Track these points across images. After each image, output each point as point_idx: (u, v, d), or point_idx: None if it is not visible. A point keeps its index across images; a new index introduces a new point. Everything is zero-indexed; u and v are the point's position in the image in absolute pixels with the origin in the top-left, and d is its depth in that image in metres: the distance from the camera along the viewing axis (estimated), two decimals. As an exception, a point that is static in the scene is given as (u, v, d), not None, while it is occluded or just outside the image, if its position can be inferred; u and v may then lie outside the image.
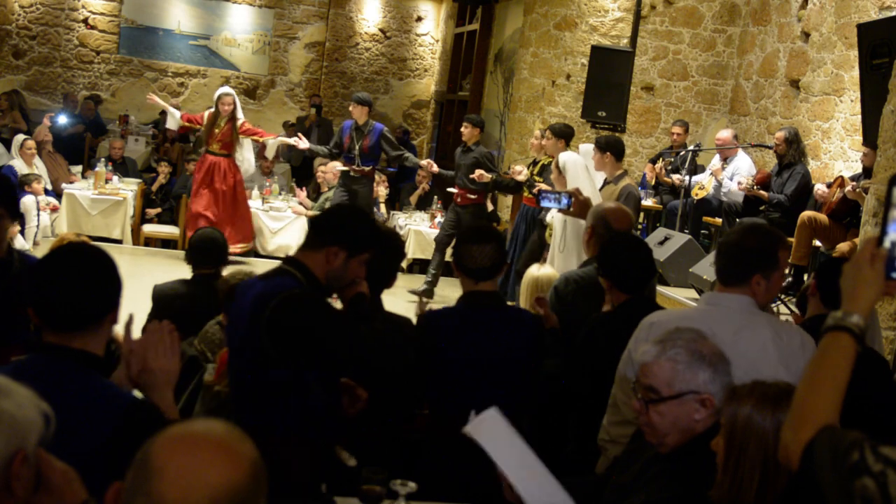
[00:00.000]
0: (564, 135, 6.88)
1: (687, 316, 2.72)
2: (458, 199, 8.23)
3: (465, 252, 3.19)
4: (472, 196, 8.13)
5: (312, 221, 2.86)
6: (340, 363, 2.71)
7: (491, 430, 2.15)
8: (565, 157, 5.77)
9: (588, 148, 6.14)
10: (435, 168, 8.51)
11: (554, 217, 5.69)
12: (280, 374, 2.61)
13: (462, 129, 8.35)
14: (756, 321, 2.57)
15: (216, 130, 8.92)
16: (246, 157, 9.15)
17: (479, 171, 7.84)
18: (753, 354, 2.43)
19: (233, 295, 3.91)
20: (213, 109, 8.98)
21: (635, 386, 2.20)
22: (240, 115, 9.04)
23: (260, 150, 9.69)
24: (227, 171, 8.95)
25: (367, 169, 8.42)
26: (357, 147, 8.35)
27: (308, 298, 2.62)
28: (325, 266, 2.69)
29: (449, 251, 7.90)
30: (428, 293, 8.16)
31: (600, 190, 5.87)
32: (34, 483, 1.52)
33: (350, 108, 8.56)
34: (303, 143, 8.78)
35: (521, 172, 7.74)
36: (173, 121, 9.18)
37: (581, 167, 5.69)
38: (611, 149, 5.91)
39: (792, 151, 7.00)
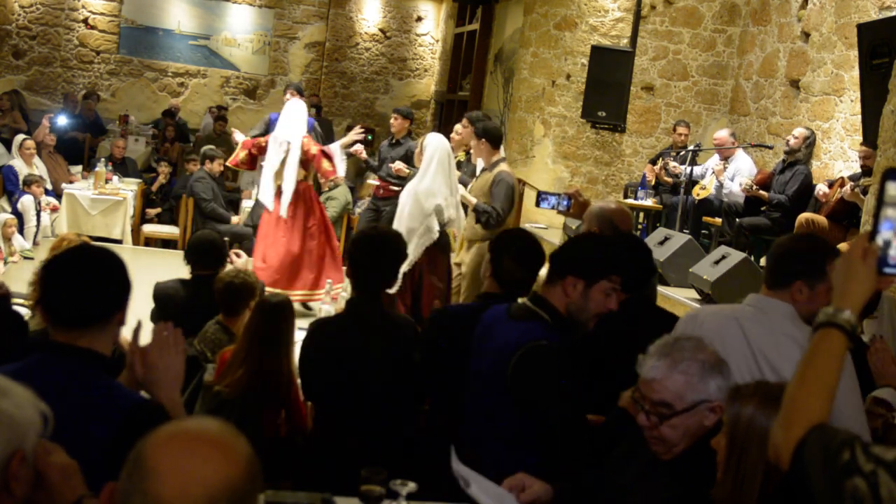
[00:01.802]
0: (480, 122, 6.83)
1: (729, 314, 2.65)
2: (380, 192, 8.04)
3: (506, 266, 3.16)
4: (395, 188, 7.95)
5: (551, 256, 2.84)
6: (552, 423, 2.68)
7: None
8: (431, 138, 5.80)
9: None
10: (363, 154, 8.20)
11: (401, 198, 5.72)
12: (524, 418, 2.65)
13: (391, 122, 8.17)
14: (792, 332, 2.46)
15: None
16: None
17: (397, 165, 7.55)
18: (787, 368, 2.36)
19: (231, 294, 3.95)
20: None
21: (639, 401, 2.18)
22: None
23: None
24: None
25: None
26: None
27: (549, 355, 2.62)
28: (564, 299, 2.68)
29: None
30: None
31: (477, 177, 5.93)
32: (32, 481, 1.52)
33: (286, 97, 8.08)
34: (238, 135, 8.06)
35: None
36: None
37: (441, 155, 5.66)
38: (486, 135, 5.96)
39: (804, 152, 7.05)
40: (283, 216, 7.12)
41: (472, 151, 6.21)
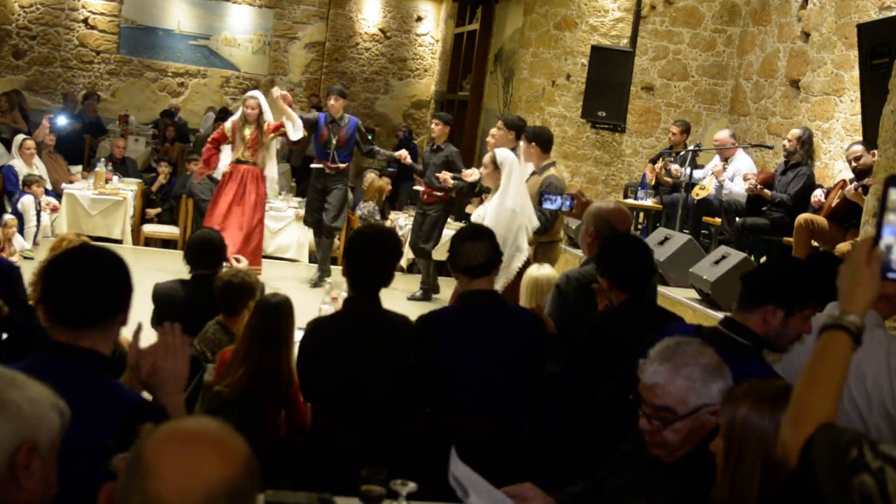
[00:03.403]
0: (516, 127, 6.76)
1: (816, 320, 2.65)
2: (425, 197, 8.21)
3: (460, 250, 3.21)
4: (439, 194, 8.10)
5: (746, 280, 2.78)
6: None
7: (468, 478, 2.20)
8: (503, 154, 5.64)
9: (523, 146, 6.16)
10: (408, 159, 8.42)
11: (477, 215, 5.60)
12: None
13: (433, 127, 8.33)
14: (877, 336, 2.52)
15: (246, 136, 7.91)
16: (269, 175, 8.06)
17: (444, 174, 7.80)
18: (872, 370, 2.37)
19: (231, 294, 3.94)
20: (236, 117, 8.04)
21: (640, 405, 2.18)
22: (268, 117, 7.95)
23: (287, 142, 8.63)
24: (257, 181, 7.96)
25: (342, 166, 8.23)
26: (335, 140, 8.15)
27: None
28: (763, 326, 2.65)
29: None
30: (427, 296, 8.23)
31: (527, 181, 5.88)
32: (47, 478, 1.52)
33: (332, 101, 8.23)
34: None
35: (471, 175, 7.73)
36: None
37: (516, 171, 5.55)
38: (536, 139, 5.98)
39: (801, 152, 7.04)
40: None
41: (521, 155, 6.07)
